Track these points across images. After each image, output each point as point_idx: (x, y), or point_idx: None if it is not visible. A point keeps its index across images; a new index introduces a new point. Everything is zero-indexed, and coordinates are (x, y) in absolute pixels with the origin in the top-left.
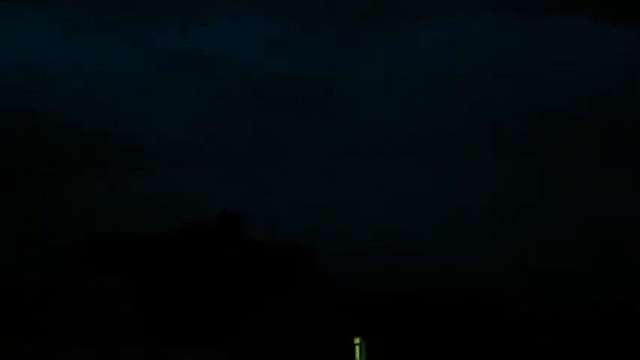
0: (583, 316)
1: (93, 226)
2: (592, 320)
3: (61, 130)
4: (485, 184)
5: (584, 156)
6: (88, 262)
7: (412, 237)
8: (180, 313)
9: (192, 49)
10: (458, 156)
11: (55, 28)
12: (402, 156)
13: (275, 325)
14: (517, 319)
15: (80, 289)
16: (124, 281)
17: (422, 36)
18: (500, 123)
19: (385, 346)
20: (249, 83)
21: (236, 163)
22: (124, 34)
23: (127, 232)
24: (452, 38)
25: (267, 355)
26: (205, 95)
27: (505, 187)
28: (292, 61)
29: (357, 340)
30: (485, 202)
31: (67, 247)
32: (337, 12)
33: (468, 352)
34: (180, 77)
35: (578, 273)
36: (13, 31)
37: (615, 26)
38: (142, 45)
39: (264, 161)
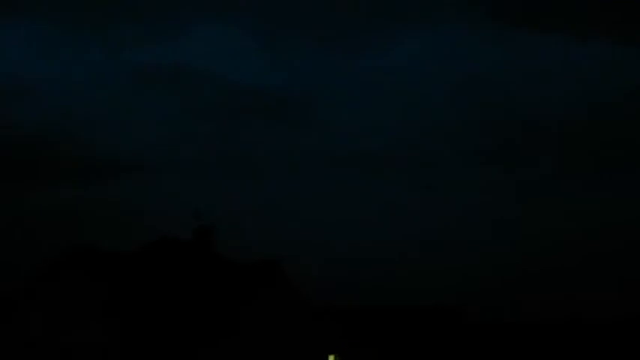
0: (549, 329)
1: (66, 237)
2: (558, 334)
3: (32, 140)
4: (460, 197)
5: (558, 170)
6: (60, 273)
7: (384, 251)
8: (150, 327)
9: (167, 62)
10: (432, 170)
11: (27, 40)
12: (376, 170)
13: (246, 339)
14: (482, 332)
15: (50, 300)
16: (96, 294)
17: (397, 50)
18: (476, 137)
19: None
20: (224, 96)
21: (209, 176)
22: (95, 46)
23: (102, 245)
24: (427, 52)
25: None
26: (180, 108)
27: (478, 202)
28: (268, 75)
29: (331, 358)
30: (457, 215)
31: (40, 258)
32: (314, 27)
33: None
34: (155, 90)
35: (547, 287)
36: None
37: (586, 43)
38: (115, 57)
39: (237, 174)
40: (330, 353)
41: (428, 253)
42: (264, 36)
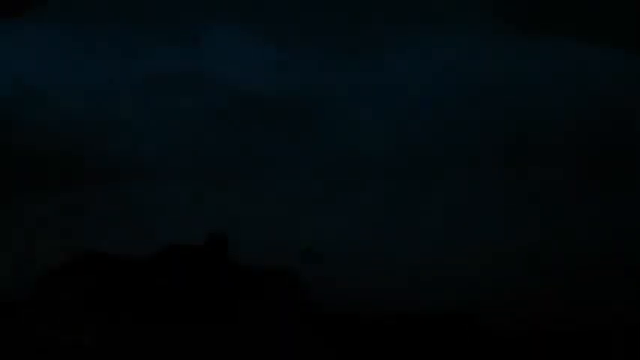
0: (558, 339)
1: (72, 242)
2: (564, 344)
3: (44, 145)
4: (463, 209)
5: (560, 182)
6: (69, 278)
7: (390, 262)
8: (157, 331)
9: (177, 69)
10: (435, 175)
11: (36, 44)
12: (380, 181)
13: (253, 345)
14: (494, 342)
15: (57, 304)
16: (104, 298)
17: (400, 59)
18: (479, 141)
19: None
20: (232, 102)
21: (221, 183)
22: (104, 51)
23: (110, 252)
24: (431, 62)
25: None
26: (188, 114)
27: (482, 212)
28: (273, 80)
29: None
30: (461, 226)
31: (44, 263)
32: (318, 36)
33: None
34: (164, 95)
35: (552, 296)
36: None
37: (593, 48)
38: (123, 62)
39: (243, 178)
40: None
41: (432, 259)
42: (271, 42)
